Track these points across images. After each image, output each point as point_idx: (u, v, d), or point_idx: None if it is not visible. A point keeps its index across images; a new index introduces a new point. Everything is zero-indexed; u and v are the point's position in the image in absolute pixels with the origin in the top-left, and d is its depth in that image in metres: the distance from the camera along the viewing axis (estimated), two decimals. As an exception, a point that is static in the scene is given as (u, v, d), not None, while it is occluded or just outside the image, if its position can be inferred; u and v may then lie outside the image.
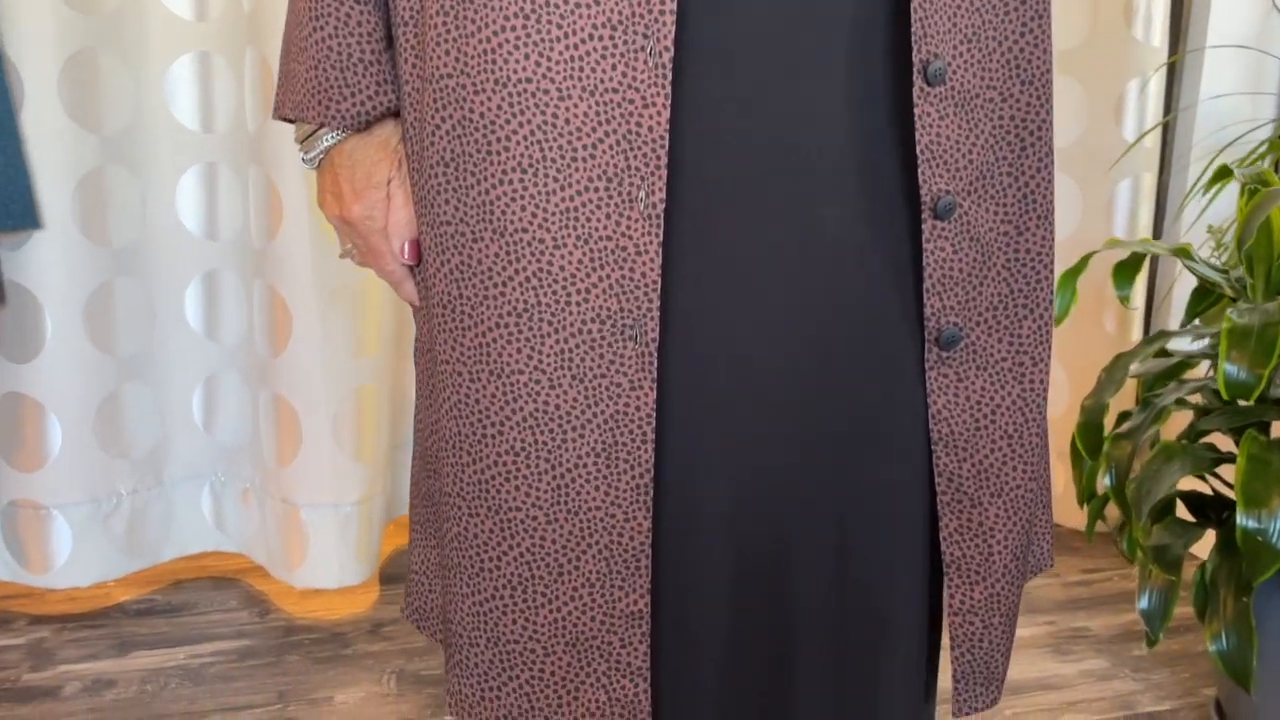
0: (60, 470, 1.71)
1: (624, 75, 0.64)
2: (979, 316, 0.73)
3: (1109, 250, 1.67)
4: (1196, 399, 1.49)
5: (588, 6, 0.63)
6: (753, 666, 0.76)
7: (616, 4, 0.63)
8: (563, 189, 0.66)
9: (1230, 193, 1.89)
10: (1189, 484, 1.57)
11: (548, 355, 0.68)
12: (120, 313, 1.72)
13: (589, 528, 0.71)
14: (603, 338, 0.68)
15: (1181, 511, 1.48)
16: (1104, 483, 1.43)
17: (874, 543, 0.76)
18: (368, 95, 0.71)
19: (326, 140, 0.72)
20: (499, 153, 0.66)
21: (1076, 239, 2.00)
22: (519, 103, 0.65)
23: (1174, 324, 2.00)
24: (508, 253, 0.67)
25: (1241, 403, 1.42)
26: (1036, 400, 0.75)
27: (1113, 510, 1.97)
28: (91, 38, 1.61)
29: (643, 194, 0.66)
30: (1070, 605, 1.83)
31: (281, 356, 1.70)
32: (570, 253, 0.67)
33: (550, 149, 0.65)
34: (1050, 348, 0.76)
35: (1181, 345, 1.82)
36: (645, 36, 0.63)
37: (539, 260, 0.67)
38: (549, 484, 0.70)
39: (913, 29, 0.66)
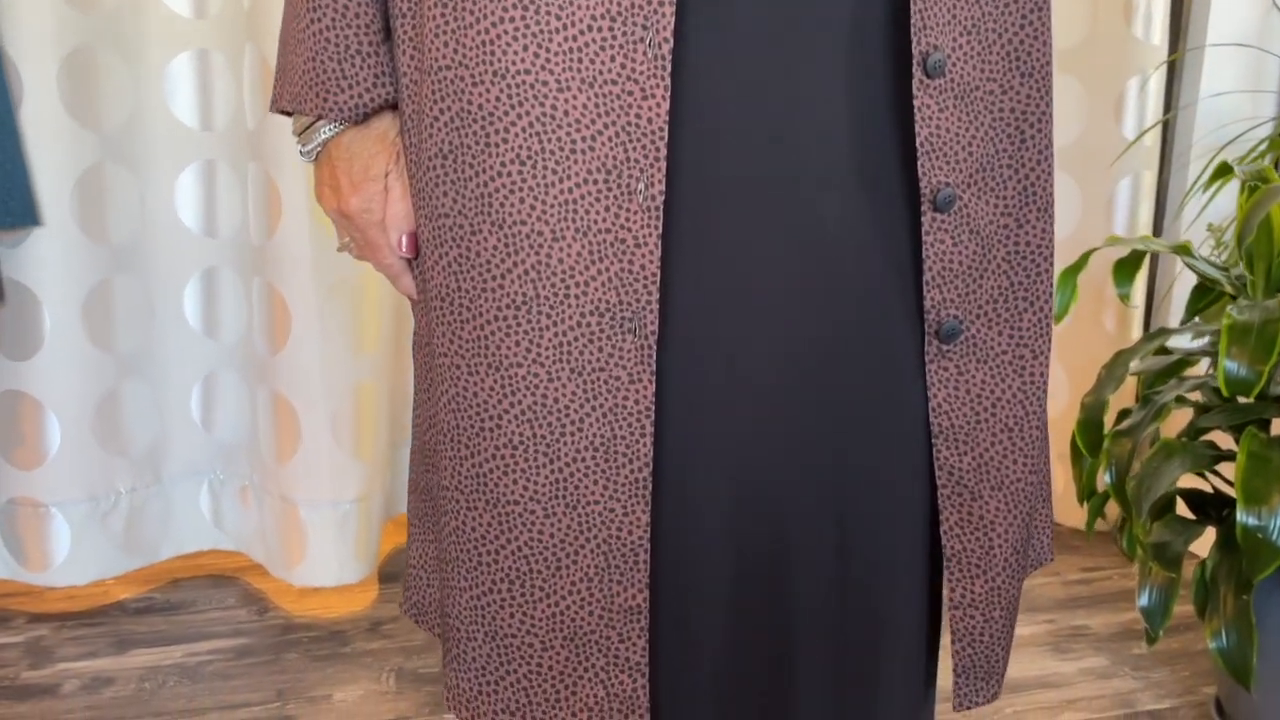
0: (59, 468, 1.71)
1: (623, 67, 0.64)
2: (979, 309, 0.73)
3: (1109, 248, 1.67)
4: (1196, 396, 1.49)
5: None
6: (752, 666, 0.76)
7: None
8: (561, 181, 0.66)
9: (1230, 191, 1.89)
10: (1189, 481, 1.57)
11: (546, 348, 0.68)
12: (119, 310, 1.72)
13: (587, 522, 0.70)
14: (601, 331, 0.67)
15: (1181, 509, 1.48)
16: (1104, 480, 1.43)
17: (874, 539, 0.76)
18: (365, 87, 0.70)
19: (324, 133, 0.72)
20: (497, 145, 0.66)
21: (1076, 237, 1.99)
22: (517, 94, 0.65)
23: (1174, 322, 2.00)
24: (506, 245, 0.67)
25: (1241, 400, 1.41)
26: (1037, 393, 0.75)
27: (1113, 508, 1.96)
28: (90, 35, 1.61)
29: (642, 186, 0.65)
30: (1070, 603, 1.83)
31: (280, 354, 1.70)
32: (569, 245, 0.67)
33: (549, 141, 0.65)
34: (1050, 340, 0.76)
35: (1181, 343, 1.81)
36: (644, 28, 0.63)
37: (538, 253, 0.67)
38: (547, 477, 0.70)
39: (912, 21, 0.66)
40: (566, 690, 0.73)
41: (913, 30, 0.66)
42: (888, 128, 0.70)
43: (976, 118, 0.70)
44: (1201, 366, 1.66)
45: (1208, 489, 1.48)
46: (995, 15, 0.70)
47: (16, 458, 1.71)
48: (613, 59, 0.64)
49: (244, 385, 1.84)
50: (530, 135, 0.65)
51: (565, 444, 0.69)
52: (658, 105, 0.64)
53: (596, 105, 0.65)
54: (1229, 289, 1.45)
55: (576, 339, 0.68)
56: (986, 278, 0.73)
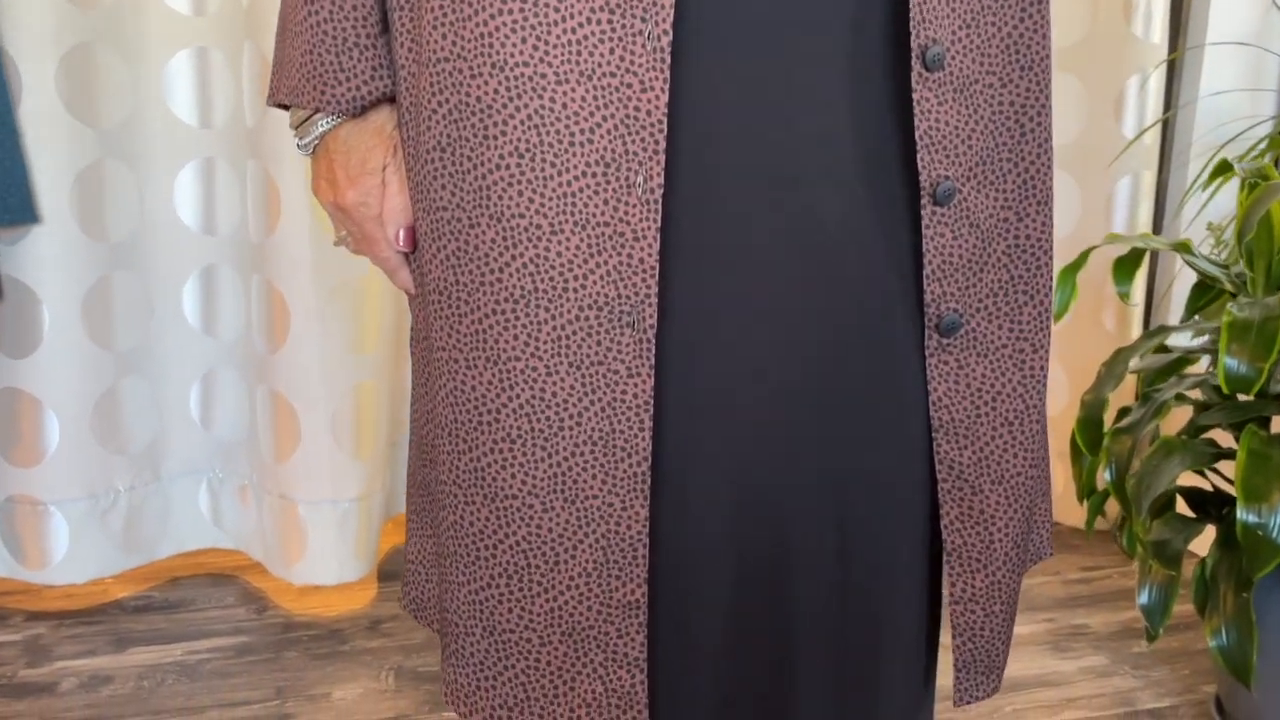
0: (58, 466, 1.71)
1: (622, 59, 0.64)
2: (979, 303, 0.73)
3: (1108, 246, 1.67)
4: (1196, 394, 1.49)
5: None
6: (753, 670, 0.76)
7: None
8: (560, 174, 0.65)
9: (1230, 190, 1.88)
10: (1189, 480, 1.56)
11: (545, 342, 0.68)
12: (118, 308, 1.72)
13: (586, 516, 0.70)
14: (600, 324, 0.67)
15: (1181, 507, 1.48)
16: (1104, 478, 1.43)
17: (875, 541, 0.75)
18: (363, 80, 0.70)
19: (321, 126, 0.72)
20: (496, 137, 0.65)
21: (1076, 236, 1.99)
22: (516, 87, 0.65)
23: (1174, 321, 2.00)
24: (504, 238, 0.67)
25: (1241, 397, 1.41)
26: (1037, 387, 0.75)
27: (1112, 507, 1.96)
28: (90, 32, 1.61)
29: (641, 179, 0.65)
30: (1070, 602, 1.83)
31: (280, 352, 1.70)
32: (567, 238, 0.66)
33: (547, 133, 0.65)
34: (1050, 334, 0.76)
35: (1181, 341, 1.81)
36: (643, 20, 0.63)
37: (536, 246, 0.67)
38: (545, 472, 0.70)
39: (911, 14, 0.66)
40: (565, 686, 0.73)
41: (912, 23, 0.66)
42: (887, 121, 0.70)
43: (976, 111, 0.70)
44: (1201, 364, 1.66)
45: (1207, 487, 1.48)
46: (994, 8, 0.69)
47: (15, 455, 1.71)
48: (611, 51, 0.64)
49: (243, 383, 1.83)
50: (529, 128, 0.65)
51: (563, 438, 0.69)
52: (657, 98, 0.64)
53: (595, 98, 0.64)
54: (1229, 287, 1.45)
55: (575, 332, 0.68)
56: (986, 271, 0.72)
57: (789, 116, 0.68)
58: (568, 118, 0.65)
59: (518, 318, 0.68)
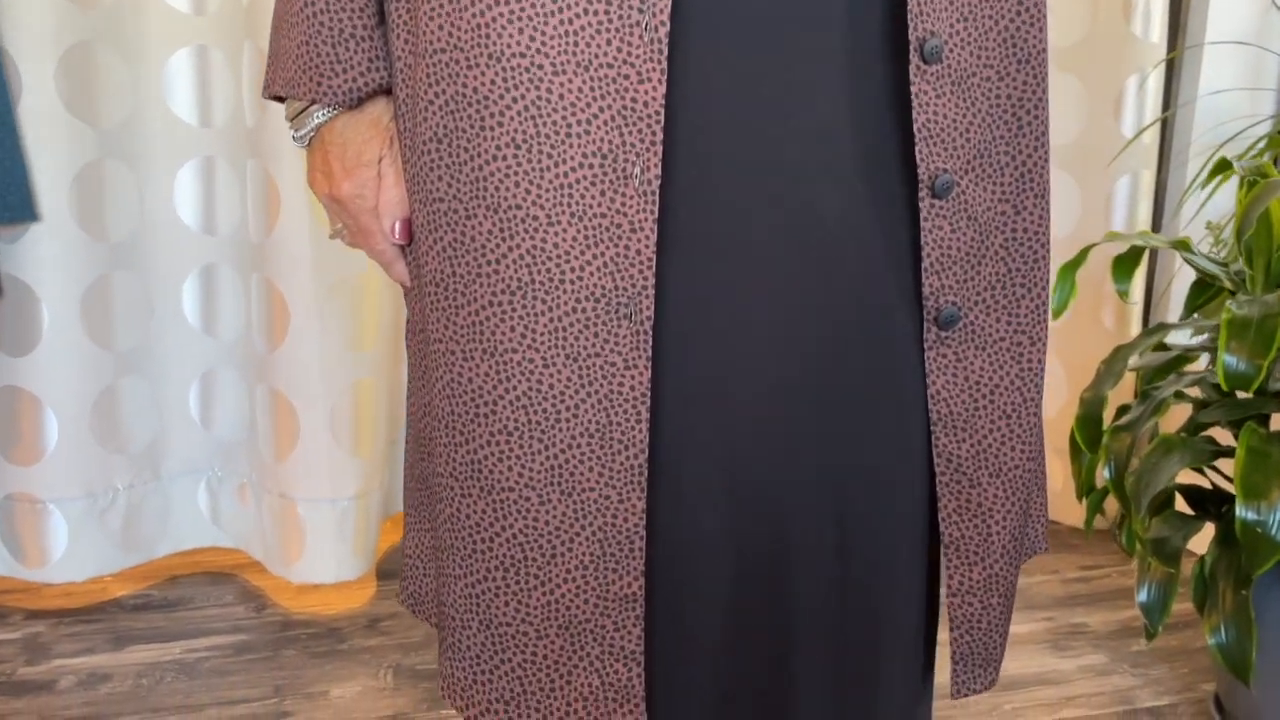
0: (57, 464, 1.71)
1: (619, 50, 0.64)
2: (977, 296, 0.73)
3: (1108, 244, 1.67)
4: (1195, 392, 1.49)
5: None
6: (752, 666, 0.76)
7: None
8: (557, 165, 0.65)
9: (1229, 190, 1.88)
10: (1188, 477, 1.56)
11: (541, 334, 0.68)
12: (117, 307, 1.72)
13: (583, 509, 0.70)
14: (597, 316, 0.67)
15: (1180, 505, 1.48)
16: (1103, 476, 1.42)
17: (875, 538, 0.75)
18: (359, 71, 0.70)
19: (317, 117, 0.72)
20: (492, 128, 0.65)
21: (1076, 236, 1.99)
22: (513, 78, 0.64)
23: (1173, 320, 2.00)
24: (501, 230, 0.67)
25: (1241, 395, 1.41)
26: (1034, 379, 0.75)
27: (1112, 505, 1.96)
28: (89, 31, 1.61)
29: (638, 170, 0.65)
30: (1069, 601, 1.83)
31: (279, 351, 1.70)
32: (564, 230, 0.66)
33: (544, 124, 0.65)
34: (1047, 327, 0.76)
35: (1180, 339, 1.81)
36: (640, 11, 0.63)
37: (533, 237, 0.67)
38: (542, 464, 0.70)
39: (909, 6, 0.66)
40: (561, 679, 0.73)
41: (909, 16, 0.66)
42: (885, 114, 0.70)
43: (974, 104, 0.70)
44: (1201, 362, 1.66)
45: (1206, 485, 1.48)
46: (991, 1, 0.69)
47: (14, 454, 1.71)
48: (609, 42, 0.64)
49: (242, 383, 1.83)
50: (526, 119, 0.65)
51: (560, 430, 0.69)
52: (654, 89, 0.64)
53: (592, 89, 0.64)
54: (1228, 284, 1.45)
55: (572, 324, 0.67)
56: (984, 264, 0.72)
57: (786, 109, 0.68)
58: (564, 109, 0.65)
59: (514, 309, 0.68)
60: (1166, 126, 1.97)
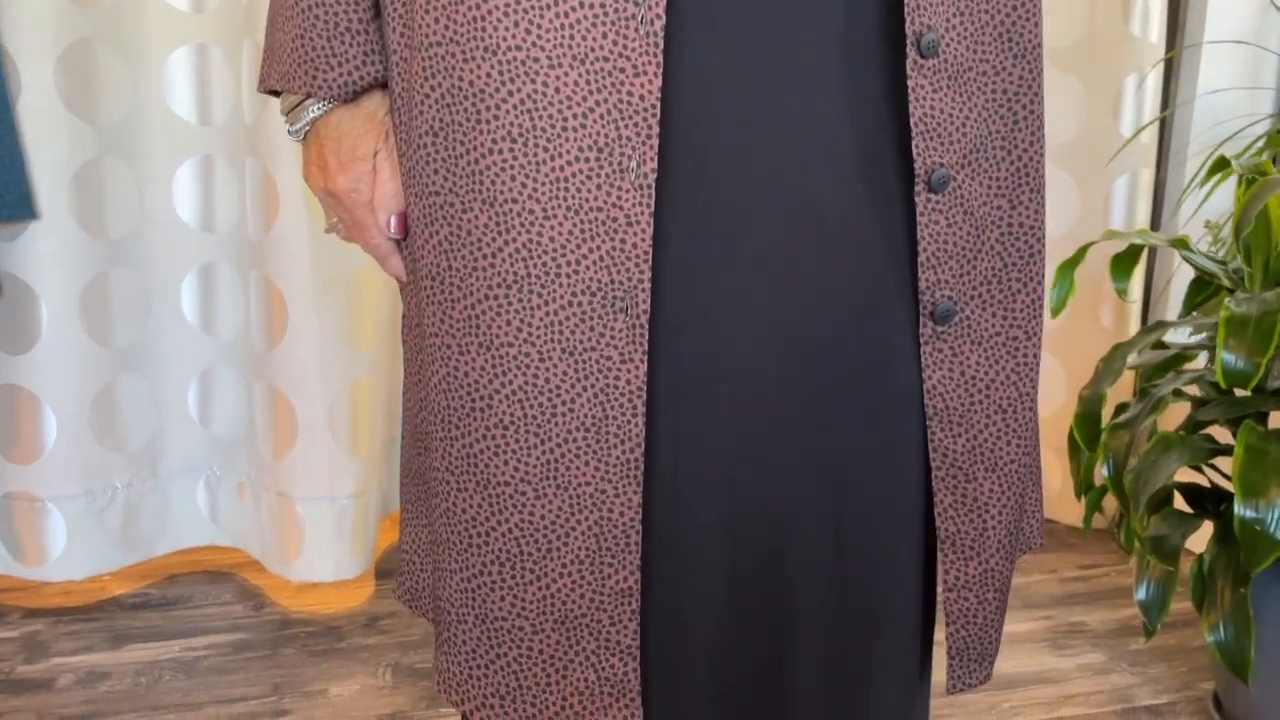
0: (55, 463, 1.71)
1: (615, 44, 0.64)
2: (973, 290, 0.72)
3: (1106, 242, 1.67)
4: (1194, 390, 1.49)
5: None
6: (749, 662, 0.76)
7: None
8: (553, 159, 0.65)
9: (1227, 189, 1.88)
10: (1186, 476, 1.56)
11: (537, 328, 0.68)
12: (116, 305, 1.72)
13: (579, 503, 0.70)
14: (593, 310, 0.67)
15: (1179, 503, 1.48)
16: (1101, 474, 1.42)
17: (874, 537, 0.75)
18: (355, 65, 0.70)
19: (312, 111, 0.72)
20: (488, 121, 0.65)
21: (1074, 235, 1.99)
22: (509, 71, 0.64)
23: (1172, 319, 1.99)
24: (497, 223, 0.67)
25: (1239, 393, 1.41)
26: (1029, 374, 0.75)
27: (1110, 504, 1.96)
28: (89, 29, 1.61)
29: (634, 164, 0.65)
30: (1067, 600, 1.83)
31: (277, 349, 1.70)
32: (560, 223, 0.66)
33: (540, 118, 0.65)
34: (1042, 322, 0.76)
35: (1179, 337, 1.81)
36: (636, 4, 0.63)
37: (529, 231, 0.67)
38: (538, 458, 0.70)
39: (906, 0, 0.66)
40: (557, 674, 0.73)
41: (906, 10, 0.66)
42: (882, 108, 0.70)
43: (970, 98, 0.70)
44: (1200, 361, 1.66)
45: (1205, 483, 1.48)
46: (987, -5, 0.69)
47: (13, 452, 1.71)
48: (604, 36, 0.64)
49: (241, 381, 1.83)
50: (521, 112, 0.65)
51: (556, 424, 0.69)
52: (650, 82, 0.64)
53: (588, 82, 0.64)
54: (1226, 282, 1.45)
55: (568, 318, 0.67)
56: (980, 259, 0.72)
57: (783, 102, 0.68)
58: (560, 102, 0.65)
59: (510, 303, 0.68)
60: (1165, 126, 1.97)
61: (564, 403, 0.69)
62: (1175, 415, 1.85)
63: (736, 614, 0.74)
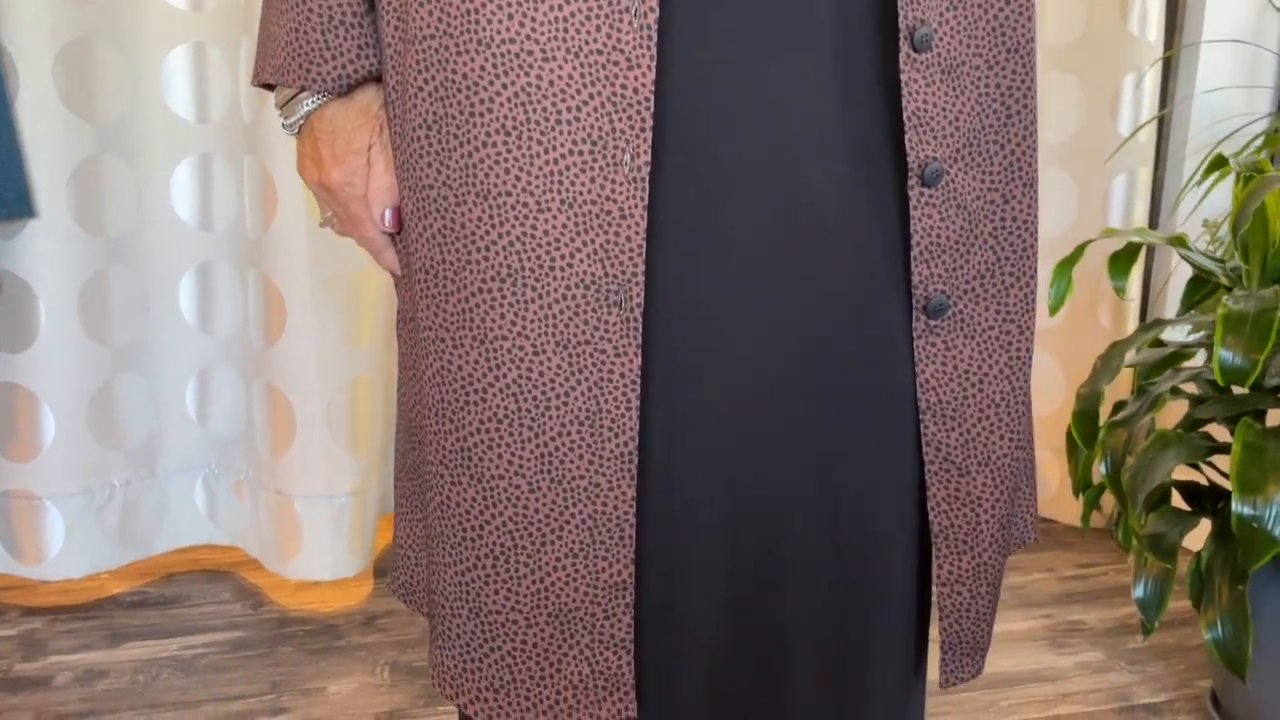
0: (53, 461, 1.71)
1: (609, 37, 0.64)
2: (966, 285, 0.73)
3: (1105, 240, 1.67)
4: (1192, 388, 1.49)
5: None
6: (746, 662, 0.76)
7: None
8: (547, 152, 0.65)
9: (1225, 188, 1.88)
10: (1184, 474, 1.56)
11: (531, 321, 0.68)
12: (114, 303, 1.72)
13: (573, 496, 0.70)
14: (587, 303, 0.67)
15: (1177, 501, 1.48)
16: (1099, 471, 1.42)
17: (867, 522, 0.75)
18: (349, 58, 0.70)
19: (307, 105, 0.72)
20: (482, 115, 0.65)
21: (1073, 234, 1.99)
22: (503, 64, 0.65)
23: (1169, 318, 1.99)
24: (491, 216, 0.67)
25: (1237, 390, 1.41)
26: (1022, 369, 0.75)
27: (1108, 503, 1.96)
28: (87, 27, 1.61)
29: (627, 157, 0.65)
30: (1066, 599, 1.83)
31: (275, 347, 1.70)
32: (554, 217, 0.66)
33: (534, 111, 0.65)
34: (1035, 317, 0.76)
35: (1177, 336, 1.81)
36: (629, -3, 0.63)
37: (523, 224, 0.67)
38: (532, 452, 0.70)
39: None
40: (551, 667, 0.73)
41: (899, 3, 0.66)
42: (875, 102, 0.70)
43: (963, 93, 0.70)
44: (1198, 359, 1.66)
45: (1203, 481, 1.48)
46: (981, -10, 0.69)
47: (11, 450, 1.71)
48: (598, 29, 0.64)
49: (239, 379, 1.83)
50: (515, 105, 0.65)
51: (550, 417, 0.69)
52: (643, 75, 0.64)
53: (582, 75, 0.64)
54: (1224, 281, 1.45)
55: (562, 311, 0.67)
56: (973, 253, 0.72)
57: (777, 96, 0.68)
58: (554, 95, 0.65)
59: (504, 296, 0.68)
60: (1163, 124, 1.97)
61: (558, 396, 0.69)
62: (1173, 413, 1.85)
63: (737, 614, 0.74)
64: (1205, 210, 1.86)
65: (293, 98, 0.72)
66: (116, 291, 1.72)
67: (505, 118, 0.65)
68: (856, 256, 0.71)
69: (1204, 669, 1.61)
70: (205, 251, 1.79)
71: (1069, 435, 1.49)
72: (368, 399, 1.76)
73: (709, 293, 0.70)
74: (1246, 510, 1.21)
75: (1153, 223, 2.02)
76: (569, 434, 0.69)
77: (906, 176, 0.70)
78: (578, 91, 0.65)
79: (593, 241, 0.66)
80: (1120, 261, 1.63)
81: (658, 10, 0.63)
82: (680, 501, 0.72)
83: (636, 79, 0.64)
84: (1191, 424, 1.43)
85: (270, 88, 0.75)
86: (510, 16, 0.64)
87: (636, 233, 0.66)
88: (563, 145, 0.65)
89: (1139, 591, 1.36)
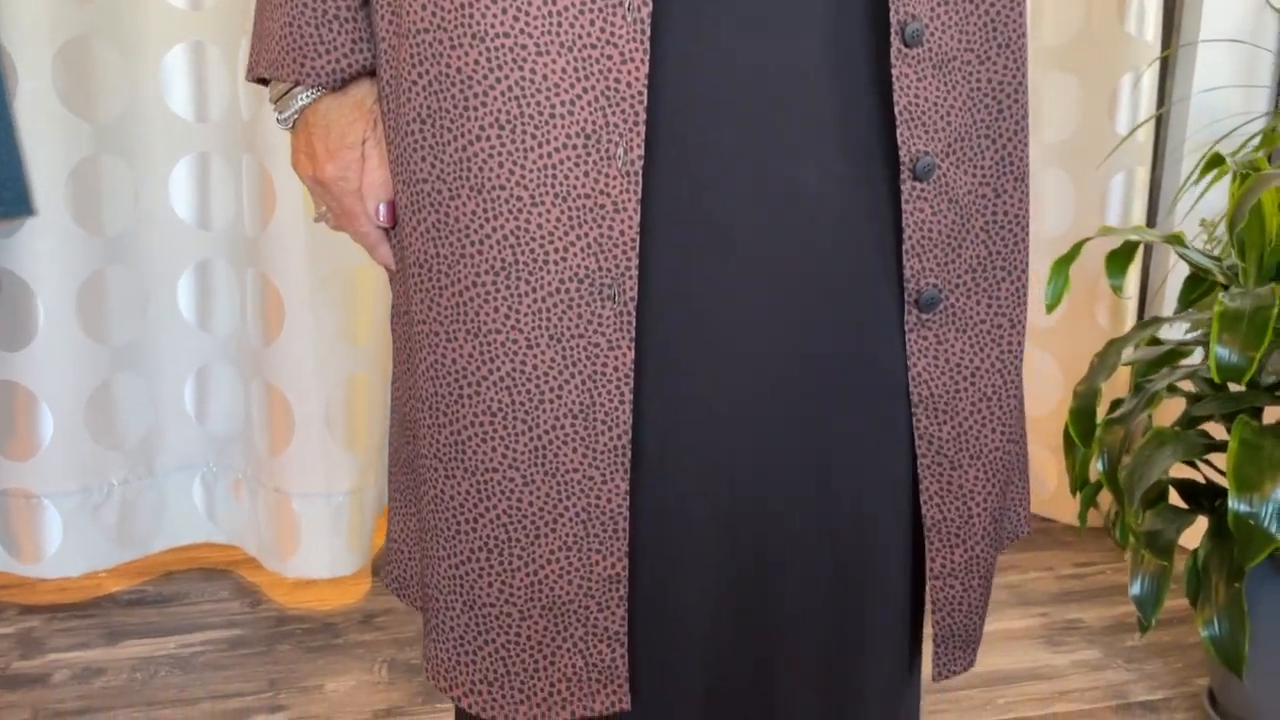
0: (52, 459, 1.71)
1: (602, 31, 0.64)
2: (958, 279, 0.73)
3: (1102, 239, 1.67)
4: (1189, 386, 1.49)
5: None
6: (742, 659, 0.76)
7: None
8: (540, 145, 0.66)
9: (1223, 188, 1.89)
10: (1181, 472, 1.56)
11: (525, 314, 0.68)
12: (113, 302, 1.72)
13: (567, 490, 0.70)
14: (580, 297, 0.67)
15: (1174, 499, 1.48)
16: (1096, 469, 1.43)
17: (863, 517, 0.75)
18: (343, 52, 0.70)
19: (301, 99, 0.72)
20: (476, 108, 0.66)
21: (1071, 234, 1.99)
22: (496, 58, 0.65)
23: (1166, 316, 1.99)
24: (485, 210, 0.67)
25: (1233, 388, 1.41)
26: (1014, 363, 0.75)
27: (1106, 502, 1.96)
28: (86, 26, 1.62)
29: (621, 151, 0.65)
30: (1063, 597, 1.83)
31: (273, 345, 1.70)
32: (548, 210, 0.67)
33: (528, 105, 0.65)
34: (1026, 311, 0.76)
35: (1174, 334, 1.81)
36: (622, -9, 0.63)
37: (516, 218, 0.67)
38: (526, 445, 0.70)
39: None
40: (545, 660, 0.73)
41: None
42: (867, 96, 0.70)
43: (954, 87, 0.70)
44: (1195, 357, 1.66)
45: (1200, 479, 1.48)
46: (973, -16, 0.70)
47: (9, 448, 1.71)
48: (592, 23, 0.64)
49: (238, 378, 1.84)
50: (509, 99, 0.65)
51: (544, 411, 0.69)
52: (637, 69, 0.64)
53: (576, 69, 0.65)
54: (1221, 278, 1.45)
55: (555, 305, 0.68)
56: (965, 247, 0.73)
57: (770, 90, 0.68)
58: (548, 89, 0.65)
59: (498, 290, 0.68)
60: (1161, 124, 1.97)
61: (551, 389, 0.69)
62: (1170, 411, 1.86)
63: (736, 614, 0.74)
64: (1203, 209, 1.86)
65: (287, 92, 0.72)
66: (115, 290, 1.72)
67: (499, 112, 0.65)
68: (849, 250, 0.71)
69: (1201, 667, 1.61)
70: (203, 250, 1.79)
71: (1066, 433, 1.49)
72: (365, 397, 1.77)
73: (702, 287, 0.70)
74: (1243, 507, 1.21)
75: (1150, 222, 2.02)
76: (563, 427, 0.69)
77: (899, 171, 0.70)
78: (571, 85, 0.65)
79: (586, 235, 0.67)
80: (1118, 260, 1.63)
81: (651, 4, 0.64)
82: (674, 496, 0.72)
83: (630, 73, 0.64)
84: (1188, 421, 1.43)
85: (265, 82, 0.75)
86: (504, 10, 0.64)
87: (630, 227, 0.66)
88: (556, 139, 0.65)
89: (1136, 589, 1.36)
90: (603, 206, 0.66)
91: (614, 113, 0.65)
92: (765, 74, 0.68)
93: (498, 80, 0.65)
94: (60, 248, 1.64)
